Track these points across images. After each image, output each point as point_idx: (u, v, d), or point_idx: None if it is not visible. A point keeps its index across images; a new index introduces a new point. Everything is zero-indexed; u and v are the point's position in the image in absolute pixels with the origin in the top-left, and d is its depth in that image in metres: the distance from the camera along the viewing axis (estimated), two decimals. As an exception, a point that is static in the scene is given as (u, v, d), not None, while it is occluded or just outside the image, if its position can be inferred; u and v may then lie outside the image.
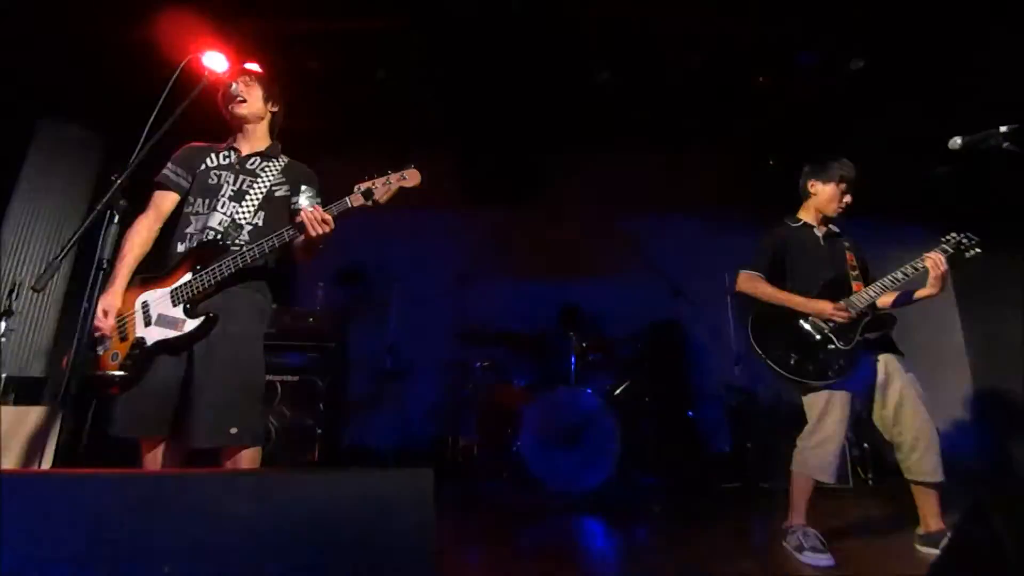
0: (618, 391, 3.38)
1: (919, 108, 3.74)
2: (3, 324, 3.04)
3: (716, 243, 5.25)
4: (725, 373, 4.41)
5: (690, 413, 4.01)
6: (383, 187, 1.58)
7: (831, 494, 3.17)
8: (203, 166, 1.76)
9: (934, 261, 2.04)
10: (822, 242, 2.29)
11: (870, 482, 3.49)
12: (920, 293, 2.14)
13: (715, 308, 4.70)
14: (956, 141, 1.81)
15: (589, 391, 3.21)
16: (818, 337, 2.08)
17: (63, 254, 1.21)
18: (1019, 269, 4.98)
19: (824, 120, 4.30)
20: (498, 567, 1.91)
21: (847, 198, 2.28)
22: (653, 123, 5.03)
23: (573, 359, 3.51)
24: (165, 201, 1.76)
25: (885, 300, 2.18)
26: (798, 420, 2.23)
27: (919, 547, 2.04)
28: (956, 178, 4.50)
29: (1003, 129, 1.74)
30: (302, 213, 1.53)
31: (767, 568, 1.89)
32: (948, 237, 2.10)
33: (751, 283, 2.26)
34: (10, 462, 2.44)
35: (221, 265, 1.55)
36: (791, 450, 2.18)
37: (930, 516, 2.00)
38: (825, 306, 2.08)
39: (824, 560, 1.92)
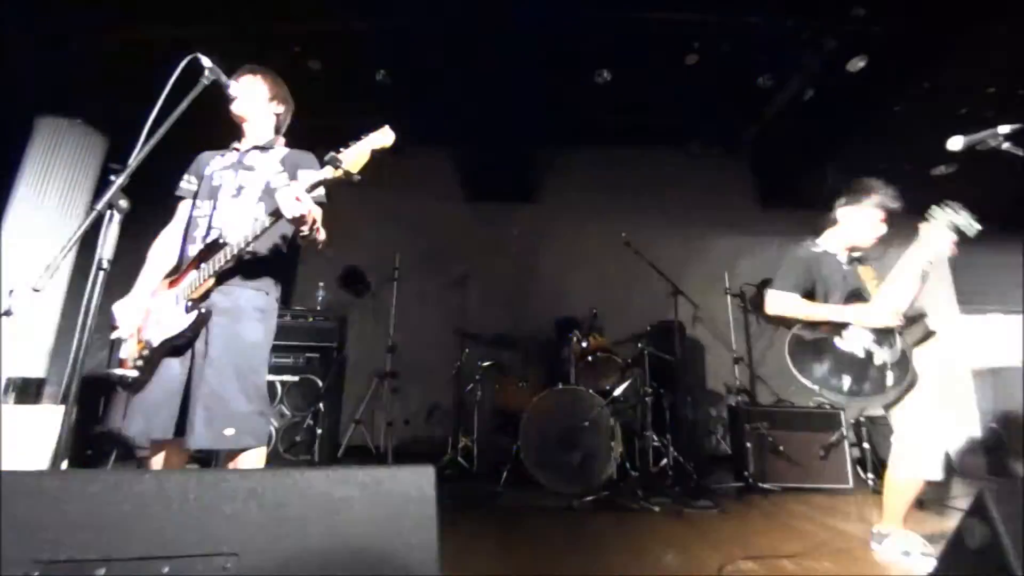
0: (618, 391, 3.38)
1: (919, 108, 3.74)
2: (3, 324, 3.04)
3: (716, 243, 5.26)
4: (725, 373, 4.41)
5: (690, 413, 4.01)
6: (353, 153, 1.49)
7: (831, 494, 3.17)
8: (208, 170, 1.79)
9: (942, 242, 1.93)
10: (846, 267, 2.17)
11: (870, 482, 3.48)
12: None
13: (715, 308, 4.71)
14: (956, 141, 1.81)
15: (589, 391, 3.20)
16: (861, 355, 1.98)
17: (63, 254, 1.21)
18: (1019, 269, 4.99)
19: (824, 120, 4.30)
20: (498, 567, 1.91)
21: (882, 228, 2.12)
22: (654, 123, 5.03)
23: (573, 359, 3.51)
24: (183, 211, 1.80)
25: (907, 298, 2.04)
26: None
27: (877, 547, 2.01)
28: (956, 178, 4.50)
29: (1003, 129, 1.74)
30: (276, 195, 1.48)
31: (767, 568, 1.89)
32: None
33: (785, 303, 2.10)
34: (10, 462, 2.44)
35: (215, 259, 1.55)
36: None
37: (897, 514, 1.98)
38: (880, 311, 1.96)
39: (930, 565, 1.77)
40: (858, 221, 2.15)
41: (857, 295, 2.08)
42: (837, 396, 1.97)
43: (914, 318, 2.03)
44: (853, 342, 2.01)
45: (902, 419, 2.01)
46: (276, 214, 1.50)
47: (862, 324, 2.00)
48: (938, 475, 1.93)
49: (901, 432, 2.01)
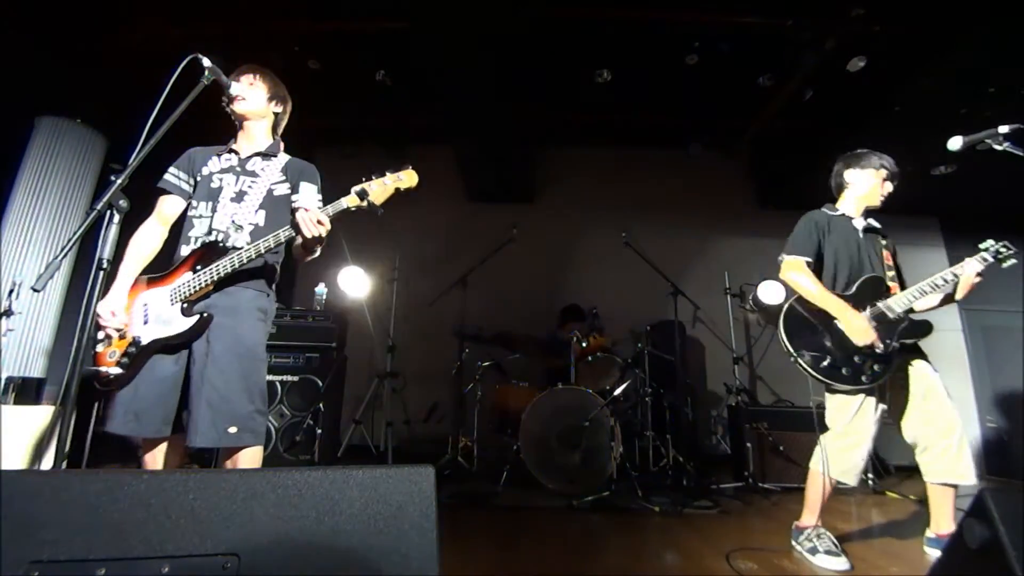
0: (618, 391, 3.38)
1: (919, 108, 3.74)
2: (3, 324, 3.04)
3: (716, 243, 5.27)
4: (725, 373, 4.41)
5: (690, 413, 4.01)
6: (379, 188, 1.57)
7: (831, 494, 3.17)
8: (206, 170, 1.77)
9: (972, 269, 2.01)
10: (861, 235, 2.21)
11: (870, 482, 3.48)
12: (946, 299, 2.13)
13: (715, 308, 4.71)
14: (956, 141, 1.81)
15: (589, 391, 3.20)
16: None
17: (63, 254, 1.21)
18: (1019, 269, 4.98)
19: (824, 120, 4.30)
20: (498, 567, 1.91)
21: (888, 186, 2.22)
22: (654, 123, 5.03)
23: (573, 359, 3.51)
24: (167, 205, 1.78)
25: (919, 304, 2.10)
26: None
27: (929, 550, 2.02)
28: (956, 178, 4.50)
29: (1003, 129, 1.74)
30: (297, 214, 1.52)
31: (767, 568, 1.89)
32: (987, 245, 2.05)
33: (799, 273, 2.11)
34: (10, 462, 2.44)
35: (219, 265, 1.55)
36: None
37: (944, 519, 1.97)
38: (865, 329, 1.98)
39: (840, 564, 1.89)
40: (864, 180, 2.24)
41: (876, 284, 2.10)
42: (814, 372, 1.99)
43: (919, 324, 2.04)
44: None
45: (839, 420, 2.07)
46: (295, 230, 1.54)
47: (841, 326, 2.01)
48: (852, 482, 2.03)
49: (832, 431, 2.08)
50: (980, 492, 0.82)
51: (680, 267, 4.71)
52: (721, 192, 5.53)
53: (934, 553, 2.00)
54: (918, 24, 3.34)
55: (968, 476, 1.93)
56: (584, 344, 3.59)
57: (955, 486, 1.95)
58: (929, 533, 2.03)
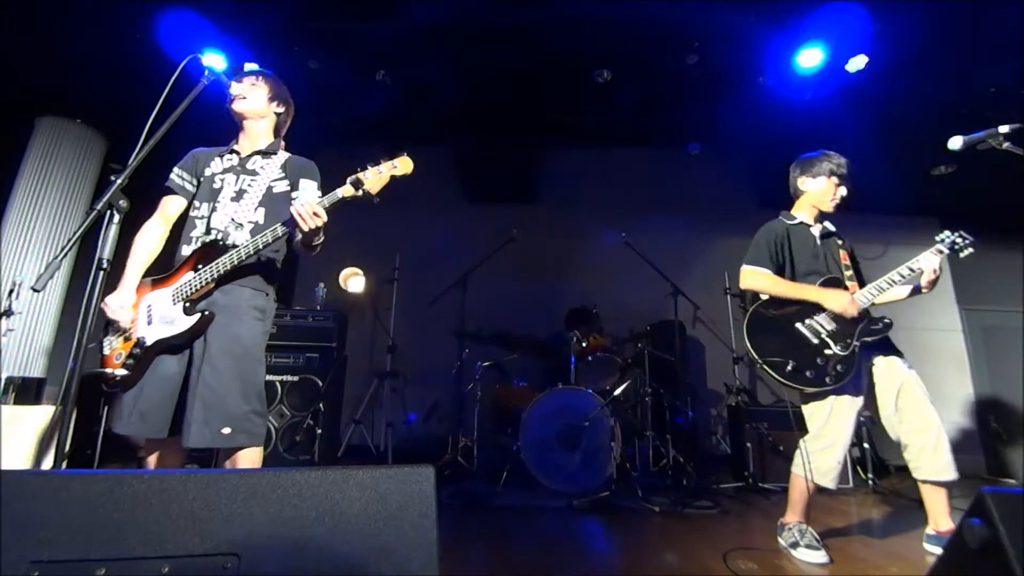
0: (618, 391, 3.38)
1: (920, 107, 3.74)
2: (3, 324, 3.04)
3: (716, 243, 5.26)
4: (725, 373, 4.41)
5: (690, 413, 4.01)
6: (374, 176, 1.56)
7: (831, 494, 3.17)
8: (208, 171, 1.79)
9: (930, 262, 2.05)
10: (818, 241, 2.25)
11: (870, 482, 3.49)
12: (912, 291, 2.16)
13: (715, 308, 4.71)
14: (956, 141, 1.81)
15: (589, 391, 3.20)
16: (815, 341, 2.03)
17: (63, 254, 1.21)
18: (1019, 269, 4.99)
19: (824, 120, 4.30)
20: (498, 567, 1.91)
21: (842, 191, 2.24)
22: (654, 123, 5.03)
23: (573, 359, 3.50)
24: (171, 205, 1.79)
25: (881, 299, 2.16)
26: (798, 420, 2.22)
27: (928, 547, 2.03)
28: (956, 178, 4.51)
29: (1003, 129, 1.74)
30: (292, 207, 1.52)
31: (767, 568, 1.89)
32: (943, 236, 2.12)
33: (759, 278, 2.18)
34: (10, 462, 2.44)
35: (219, 262, 1.56)
36: (790, 450, 2.18)
37: (940, 516, 1.99)
38: (842, 297, 2.04)
39: (819, 557, 1.93)
40: (816, 187, 2.27)
41: (833, 284, 2.15)
42: (777, 376, 2.01)
43: (879, 321, 2.08)
44: (812, 328, 2.06)
45: (815, 424, 2.10)
46: (291, 224, 1.53)
47: (824, 305, 2.07)
48: (831, 485, 2.03)
49: (812, 433, 2.10)
50: (980, 492, 0.82)
51: (680, 267, 4.71)
52: (721, 191, 5.53)
53: (934, 550, 2.01)
54: (917, 23, 3.33)
55: (947, 472, 1.94)
56: (584, 344, 3.59)
57: (943, 483, 1.97)
58: (928, 530, 2.04)
